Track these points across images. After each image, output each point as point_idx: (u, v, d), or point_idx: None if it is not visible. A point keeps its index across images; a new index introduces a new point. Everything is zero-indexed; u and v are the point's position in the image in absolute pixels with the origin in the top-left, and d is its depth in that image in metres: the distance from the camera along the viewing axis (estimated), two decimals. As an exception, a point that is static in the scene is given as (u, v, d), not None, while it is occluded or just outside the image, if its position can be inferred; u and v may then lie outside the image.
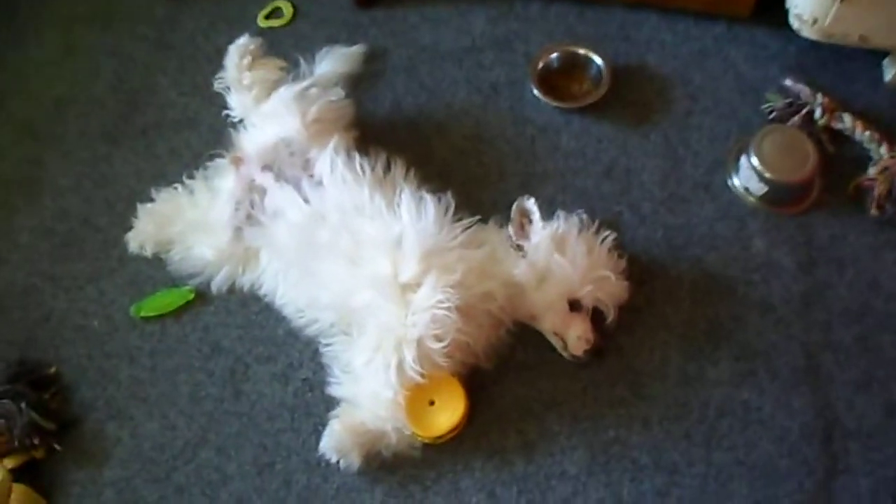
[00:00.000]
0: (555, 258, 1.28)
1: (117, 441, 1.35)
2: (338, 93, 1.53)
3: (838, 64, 1.62)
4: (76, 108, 1.73)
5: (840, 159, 1.50)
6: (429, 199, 1.32)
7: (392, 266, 1.24)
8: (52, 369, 1.41)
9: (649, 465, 1.26)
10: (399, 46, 1.74)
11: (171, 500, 1.30)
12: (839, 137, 1.52)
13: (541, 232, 1.30)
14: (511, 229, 1.32)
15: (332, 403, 1.31)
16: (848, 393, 1.31)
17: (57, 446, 1.34)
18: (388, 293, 1.23)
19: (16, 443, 1.30)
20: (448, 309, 1.19)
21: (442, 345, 1.19)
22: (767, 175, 1.43)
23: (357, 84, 1.67)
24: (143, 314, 1.45)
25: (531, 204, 1.32)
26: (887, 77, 1.59)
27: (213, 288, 1.46)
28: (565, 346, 1.31)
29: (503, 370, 1.34)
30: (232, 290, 1.46)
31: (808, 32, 1.51)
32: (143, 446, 1.34)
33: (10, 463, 1.30)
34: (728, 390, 1.31)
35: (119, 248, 1.52)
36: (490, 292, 1.26)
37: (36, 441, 1.31)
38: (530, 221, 1.32)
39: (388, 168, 1.41)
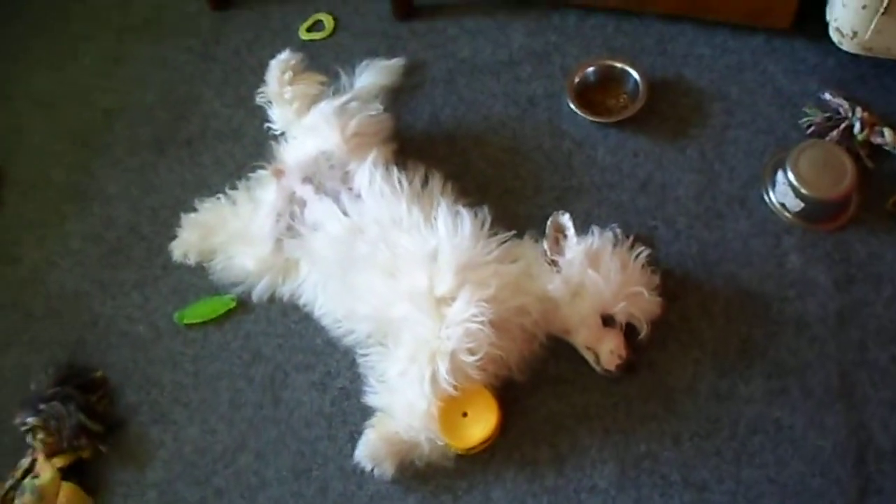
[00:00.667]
0: (588, 273, 1.29)
1: (160, 444, 1.40)
2: (377, 107, 1.56)
3: (879, 78, 1.60)
4: (124, 118, 1.79)
5: (879, 175, 1.50)
6: (465, 213, 1.35)
7: (428, 279, 1.27)
8: (99, 373, 1.46)
9: (679, 482, 1.27)
10: (438, 59, 1.76)
11: (211, 502, 1.34)
12: (879, 153, 1.51)
13: (575, 247, 1.32)
14: (546, 244, 1.34)
15: (367, 413, 1.34)
16: (883, 413, 1.30)
17: (103, 447, 1.38)
18: (423, 306, 1.26)
19: (64, 443, 1.35)
20: (482, 323, 1.22)
21: (475, 358, 1.22)
22: (804, 191, 1.42)
23: (396, 97, 1.70)
24: (186, 321, 1.50)
25: (566, 219, 1.33)
26: (929, 92, 1.58)
27: (255, 297, 1.49)
28: (598, 361, 1.32)
29: (536, 383, 1.36)
30: (272, 299, 1.50)
31: (847, 46, 1.50)
32: (185, 450, 1.39)
33: (59, 462, 1.35)
34: (760, 408, 1.32)
35: (164, 257, 1.57)
36: (524, 307, 1.28)
37: (83, 442, 1.36)
38: (565, 237, 1.34)
39: (425, 182, 1.44)
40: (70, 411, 1.36)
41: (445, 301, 1.26)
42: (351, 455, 1.32)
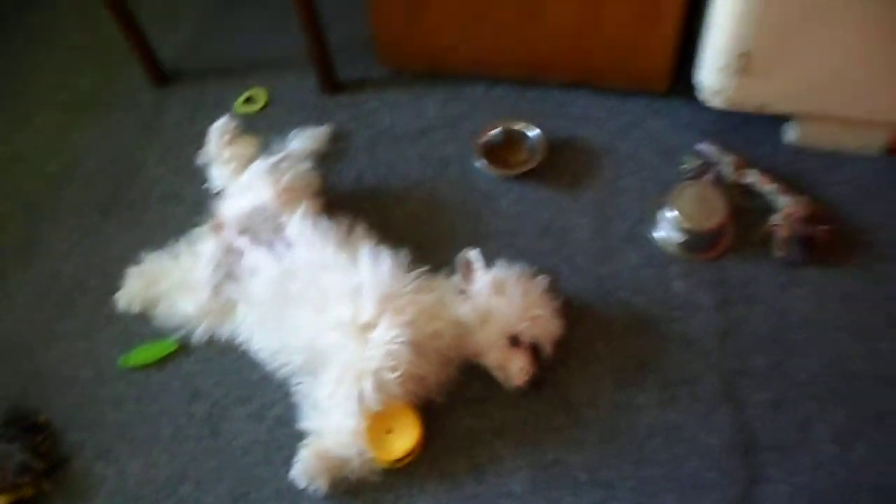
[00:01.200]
0: (494, 299, 1.46)
1: (104, 479, 1.46)
2: (306, 165, 1.73)
3: (746, 128, 1.85)
4: (71, 183, 1.93)
5: (749, 210, 1.70)
6: (385, 253, 1.50)
7: (352, 310, 1.41)
8: (43, 417, 1.54)
9: (587, 482, 1.39)
10: (361, 128, 1.96)
11: (153, 531, 1.42)
12: (747, 191, 1.73)
13: (482, 277, 1.48)
14: (457, 276, 1.50)
15: (302, 437, 1.43)
16: (763, 412, 1.45)
17: (47, 485, 1.44)
18: (349, 333, 1.39)
19: (8, 482, 1.41)
20: (401, 343, 1.35)
21: (396, 374, 1.35)
22: (684, 225, 1.63)
23: (324, 161, 1.87)
24: (129, 364, 1.60)
25: (474, 254, 1.50)
26: (787, 138, 1.82)
27: (195, 339, 1.60)
28: (508, 379, 1.47)
29: (454, 403, 1.48)
30: (211, 341, 1.60)
31: (715, 103, 1.74)
32: (128, 483, 1.46)
33: (2, 501, 1.40)
34: (655, 414, 1.46)
35: (109, 307, 1.67)
36: (438, 331, 1.43)
37: (27, 480, 1.42)
38: (474, 269, 1.50)
39: (350, 230, 1.59)
40: (13, 451, 1.44)
41: (368, 328, 1.39)
42: (286, 477, 1.40)
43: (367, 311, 1.40)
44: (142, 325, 1.65)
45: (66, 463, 1.49)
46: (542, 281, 1.51)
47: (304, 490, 1.39)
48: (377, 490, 1.41)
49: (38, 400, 1.57)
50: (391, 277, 1.46)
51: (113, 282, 1.69)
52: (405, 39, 1.97)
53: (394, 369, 1.35)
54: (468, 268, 1.51)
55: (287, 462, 1.42)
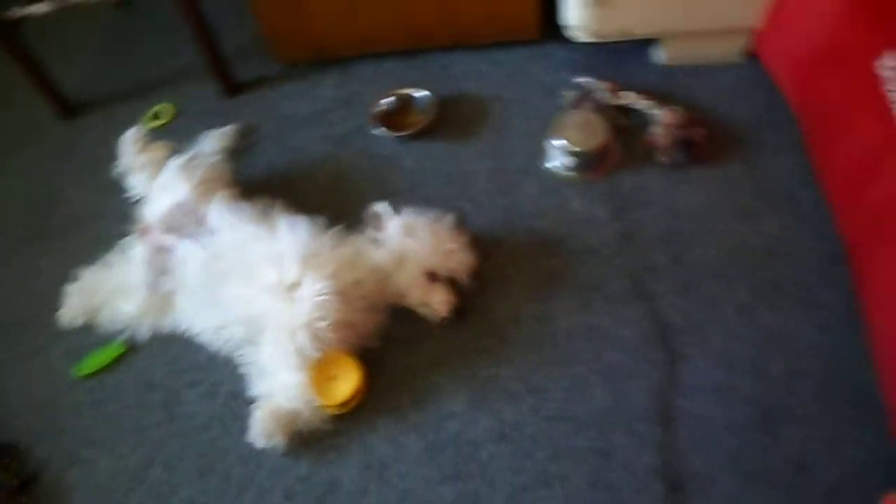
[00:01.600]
0: (407, 242, 1.58)
1: (76, 484, 1.53)
2: (217, 158, 1.83)
3: (617, 56, 2.02)
4: (-3, 220, 2.01)
5: (629, 127, 1.86)
6: (301, 219, 1.61)
7: (278, 274, 1.51)
8: (8, 439, 1.61)
9: (521, 390, 1.51)
10: (266, 121, 2.08)
11: (130, 518, 1.50)
12: (625, 110, 1.88)
13: (392, 224, 1.60)
14: (370, 229, 1.62)
15: (254, 403, 1.52)
16: (672, 300, 1.59)
17: (24, 500, 1.51)
18: (278, 295, 1.50)
19: (-15, 501, 1.49)
20: (326, 295, 1.46)
21: (327, 323, 1.46)
22: (572, 149, 1.77)
23: (235, 155, 1.98)
24: (82, 373, 1.67)
25: (381, 206, 1.62)
26: (655, 59, 1.99)
27: (140, 337, 1.69)
28: (433, 313, 1.58)
29: (389, 345, 1.59)
30: (156, 335, 1.69)
31: (583, 37, 1.89)
32: (100, 480, 1.53)
33: (-20, 521, 1.47)
34: (573, 320, 1.59)
35: (53, 327, 1.75)
36: (360, 279, 1.54)
37: (2, 498, 1.49)
38: (382, 219, 1.62)
39: (267, 208, 1.69)
40: (-16, 473, 1.51)
41: (295, 287, 1.49)
42: (246, 442, 1.49)
43: (292, 272, 1.50)
44: (88, 335, 1.73)
45: (38, 477, 1.56)
46: (450, 219, 1.63)
47: (264, 450, 1.49)
48: (331, 436, 1.51)
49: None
50: (309, 239, 1.56)
51: (52, 303, 1.77)
52: (292, 34, 2.09)
53: (323, 319, 1.46)
54: (377, 219, 1.63)
55: (245, 430, 1.51)
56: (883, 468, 1.34)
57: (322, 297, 1.46)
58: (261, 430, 1.47)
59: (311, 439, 1.50)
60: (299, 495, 1.45)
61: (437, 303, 1.57)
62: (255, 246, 1.59)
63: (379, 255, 1.58)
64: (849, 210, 1.57)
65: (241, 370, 1.58)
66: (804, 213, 1.69)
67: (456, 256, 1.59)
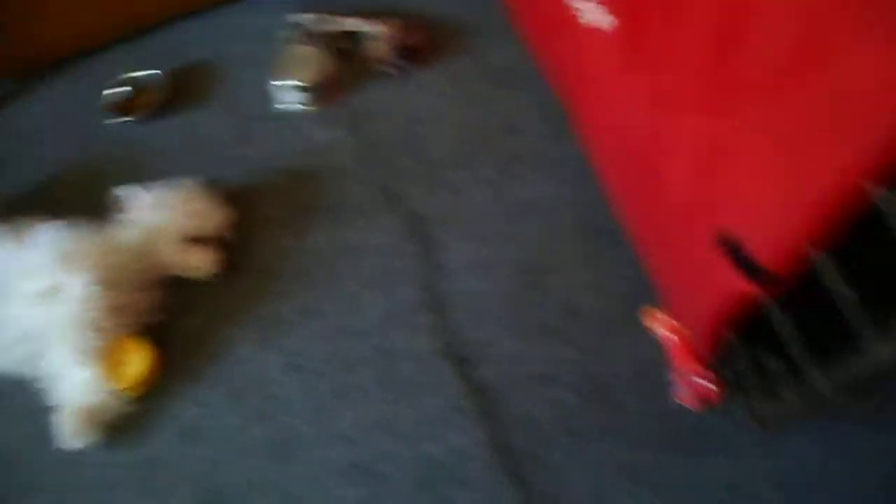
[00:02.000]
0: (157, 213, 1.63)
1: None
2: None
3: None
4: None
5: (354, 49, 1.96)
6: (55, 225, 1.62)
7: (38, 280, 1.53)
8: None
9: (301, 317, 1.59)
10: (6, 142, 2.03)
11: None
12: (341, 35, 1.97)
13: (138, 202, 1.65)
14: (117, 214, 1.67)
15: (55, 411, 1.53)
16: (421, 196, 1.72)
17: None
18: (47, 301, 1.52)
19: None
20: (90, 286, 1.50)
21: (98, 312, 1.50)
22: (299, 84, 1.85)
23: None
24: None
25: (120, 190, 1.67)
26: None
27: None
28: (202, 273, 1.64)
29: (171, 315, 1.62)
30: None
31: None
32: None
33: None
34: (335, 242, 1.68)
35: None
36: (120, 262, 1.58)
37: None
38: (125, 200, 1.66)
39: (17, 226, 1.67)
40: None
41: (57, 290, 1.53)
42: (59, 450, 1.50)
43: (51, 275, 1.53)
44: None
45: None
46: (197, 183, 1.69)
47: (79, 451, 1.51)
48: (139, 417, 1.54)
49: None
50: (61, 241, 1.58)
51: None
52: (15, 49, 2.06)
53: (94, 308, 1.50)
54: (119, 201, 1.67)
55: (56, 438, 1.52)
56: (647, 294, 1.49)
57: (86, 289, 1.50)
58: (70, 432, 1.50)
59: (122, 426, 1.54)
60: (123, 483, 1.49)
61: (203, 263, 1.63)
62: (14, 263, 1.59)
63: (132, 235, 1.62)
64: (552, 70, 1.72)
65: (37, 385, 1.60)
66: (531, 85, 1.82)
67: (211, 215, 1.66)
